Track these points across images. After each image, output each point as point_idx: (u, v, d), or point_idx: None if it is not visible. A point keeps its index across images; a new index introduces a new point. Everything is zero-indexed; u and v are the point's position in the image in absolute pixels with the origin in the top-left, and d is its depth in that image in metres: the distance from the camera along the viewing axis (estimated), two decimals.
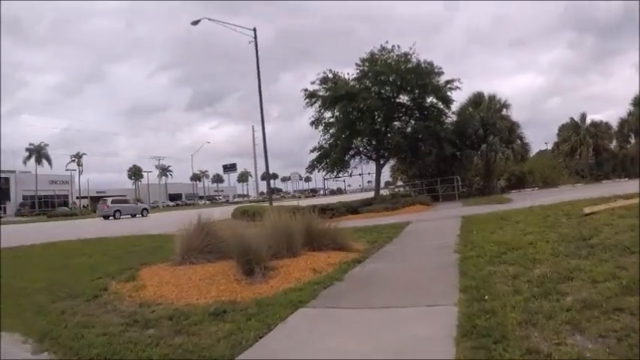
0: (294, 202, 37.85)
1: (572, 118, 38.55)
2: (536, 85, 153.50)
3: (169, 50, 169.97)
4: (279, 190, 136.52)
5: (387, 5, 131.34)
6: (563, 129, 45.78)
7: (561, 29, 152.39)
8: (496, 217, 13.09)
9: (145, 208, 52.32)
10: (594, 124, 36.72)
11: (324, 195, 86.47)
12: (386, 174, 34.67)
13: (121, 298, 7.04)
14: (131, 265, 9.47)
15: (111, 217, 43.84)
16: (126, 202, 52.08)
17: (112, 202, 47.37)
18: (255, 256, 7.50)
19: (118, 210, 45.92)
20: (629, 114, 37.75)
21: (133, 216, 47.24)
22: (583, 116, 37.47)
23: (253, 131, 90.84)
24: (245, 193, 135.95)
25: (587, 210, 10.68)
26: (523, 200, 19.95)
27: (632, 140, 37.63)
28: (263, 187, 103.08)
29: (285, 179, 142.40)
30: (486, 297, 5.11)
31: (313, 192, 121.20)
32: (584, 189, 25.56)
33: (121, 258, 11.18)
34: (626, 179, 31.75)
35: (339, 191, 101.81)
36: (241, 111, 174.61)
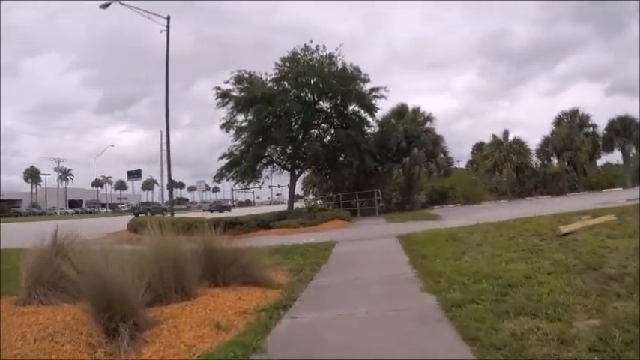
0: (199, 214, 34.39)
1: (494, 136, 38.51)
2: (449, 107, 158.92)
3: (85, 48, 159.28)
4: (185, 201, 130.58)
5: (310, 20, 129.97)
6: (477, 148, 45.90)
7: (474, 57, 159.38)
8: (443, 238, 10.91)
9: None
10: (517, 142, 36.42)
11: (232, 207, 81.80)
12: (296, 187, 32.03)
13: None
14: None
15: None
16: None
17: None
18: (121, 306, 4.53)
19: None
20: (553, 133, 37.89)
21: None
22: (505, 134, 37.30)
23: (161, 137, 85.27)
24: (150, 201, 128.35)
25: (564, 229, 9.14)
26: (453, 217, 18.47)
27: (554, 159, 37.86)
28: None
29: (192, 189, 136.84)
30: None
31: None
32: (510, 205, 24.88)
33: None
34: (549, 196, 31.70)
35: (248, 203, 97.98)
36: (152, 116, 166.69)
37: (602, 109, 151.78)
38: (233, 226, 19.46)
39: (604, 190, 31.43)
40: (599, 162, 40.28)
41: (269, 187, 35.00)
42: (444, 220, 17.71)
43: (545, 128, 36.91)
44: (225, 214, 34.10)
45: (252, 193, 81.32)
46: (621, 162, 40.66)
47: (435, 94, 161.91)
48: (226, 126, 26.15)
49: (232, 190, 53.97)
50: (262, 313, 5.32)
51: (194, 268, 6.00)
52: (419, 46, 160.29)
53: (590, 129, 37.48)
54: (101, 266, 4.90)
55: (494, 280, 5.93)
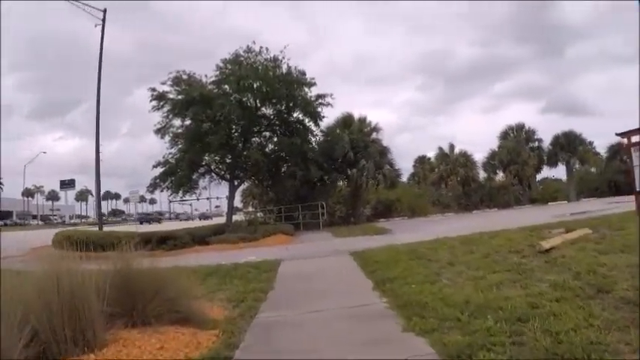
0: (132, 228, 32.07)
1: (440, 148, 38.67)
2: (389, 121, 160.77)
3: (19, 50, 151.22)
4: (120, 212, 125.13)
5: (254, 32, 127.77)
6: (420, 161, 45.89)
7: (414, 74, 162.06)
8: (405, 255, 9.66)
9: None
10: (464, 155, 36.62)
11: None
12: (236, 199, 30.30)
13: None
14: None
15: None
16: None
17: None
18: None
19: None
20: (500, 147, 38.24)
21: None
22: (451, 146, 37.24)
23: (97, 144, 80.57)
24: (84, 213, 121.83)
25: (545, 245, 8.20)
26: (404, 231, 17.77)
27: (500, 172, 38.28)
28: (105, 207, 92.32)
29: (127, 200, 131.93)
30: None
31: (159, 215, 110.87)
32: (460, 218, 24.60)
33: None
34: (495, 209, 31.60)
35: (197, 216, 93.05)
36: (89, 123, 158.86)
37: (537, 126, 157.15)
38: (166, 241, 17.72)
39: (550, 204, 31.84)
40: (538, 176, 41.38)
41: (207, 198, 33.27)
42: (396, 233, 16.91)
43: (484, 144, 37.97)
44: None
45: (190, 204, 78.27)
46: (558, 177, 42.52)
47: (374, 109, 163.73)
48: (161, 131, 24.12)
49: (169, 202, 51.69)
50: None
51: (100, 305, 4.43)
52: (359, 61, 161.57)
53: (536, 143, 38.31)
54: None
55: (494, 312, 4.75)
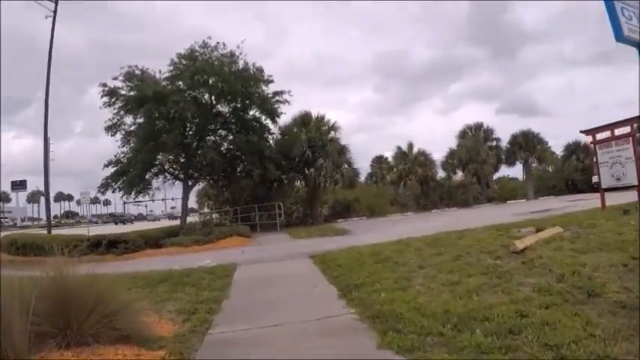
0: (84, 231, 30.71)
1: (399, 147, 38.32)
2: (345, 122, 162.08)
3: None
4: (74, 214, 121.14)
5: (211, 31, 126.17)
6: (377, 161, 45.91)
7: (371, 74, 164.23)
8: (369, 258, 9.05)
9: None
10: (422, 154, 36.66)
11: (130, 221, 74.88)
12: (191, 200, 29.39)
13: None
14: None
15: None
16: None
17: None
18: None
19: None
20: (459, 146, 38.55)
21: None
22: (410, 146, 37.17)
23: (47, 143, 77.00)
24: (37, 215, 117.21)
25: (520, 245, 7.77)
26: (365, 231, 17.23)
27: (460, 171, 38.45)
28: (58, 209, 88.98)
29: (79, 202, 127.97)
30: None
31: (113, 217, 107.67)
32: (420, 218, 24.24)
33: None
34: (455, 208, 31.81)
35: (142, 217, 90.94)
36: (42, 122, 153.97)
37: (493, 126, 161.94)
38: (116, 245, 16.78)
39: (509, 202, 32.26)
40: (494, 176, 42.03)
41: (162, 199, 32.24)
42: (357, 234, 16.46)
43: (442, 144, 38.41)
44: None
45: (145, 206, 76.61)
46: (514, 176, 44.01)
47: (331, 109, 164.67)
48: (112, 129, 23.01)
49: (124, 203, 50.39)
50: None
51: (24, 322, 3.71)
52: (316, 62, 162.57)
53: (494, 142, 39.21)
54: None
55: (480, 323, 4.28)
